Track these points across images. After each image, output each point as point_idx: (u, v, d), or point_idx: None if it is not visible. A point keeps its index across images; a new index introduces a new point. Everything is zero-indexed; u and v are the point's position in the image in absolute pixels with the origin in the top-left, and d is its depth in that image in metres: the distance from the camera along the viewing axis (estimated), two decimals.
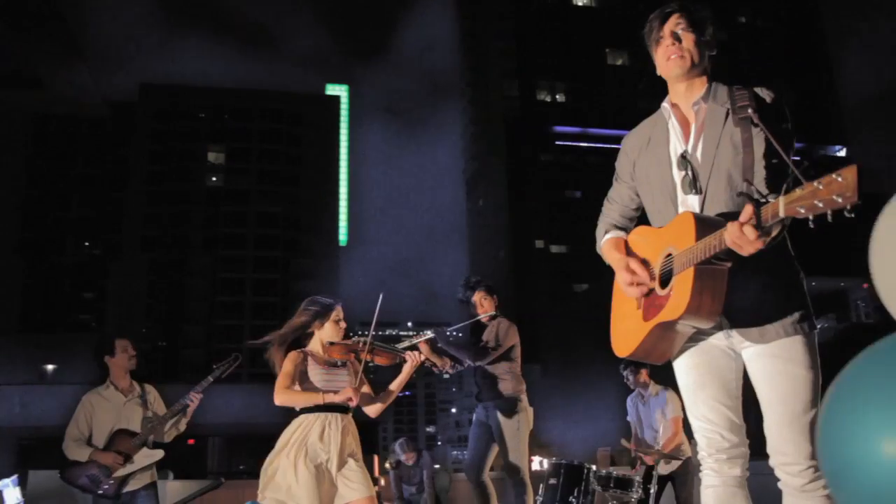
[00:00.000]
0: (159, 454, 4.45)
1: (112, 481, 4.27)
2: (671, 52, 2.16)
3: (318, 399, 3.42)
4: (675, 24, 2.17)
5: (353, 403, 3.46)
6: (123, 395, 4.52)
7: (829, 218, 1.56)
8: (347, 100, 72.01)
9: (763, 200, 1.75)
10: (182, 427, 4.59)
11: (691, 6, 2.21)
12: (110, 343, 4.56)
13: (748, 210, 1.72)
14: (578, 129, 51.79)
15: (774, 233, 1.78)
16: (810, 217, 1.59)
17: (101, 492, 4.25)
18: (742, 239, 1.74)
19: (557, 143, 52.08)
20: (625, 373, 5.82)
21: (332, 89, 72.45)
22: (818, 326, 2.09)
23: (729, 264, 1.91)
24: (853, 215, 1.53)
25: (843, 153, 54.82)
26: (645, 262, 2.15)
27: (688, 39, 2.15)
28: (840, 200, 1.51)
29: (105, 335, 4.69)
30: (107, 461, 4.27)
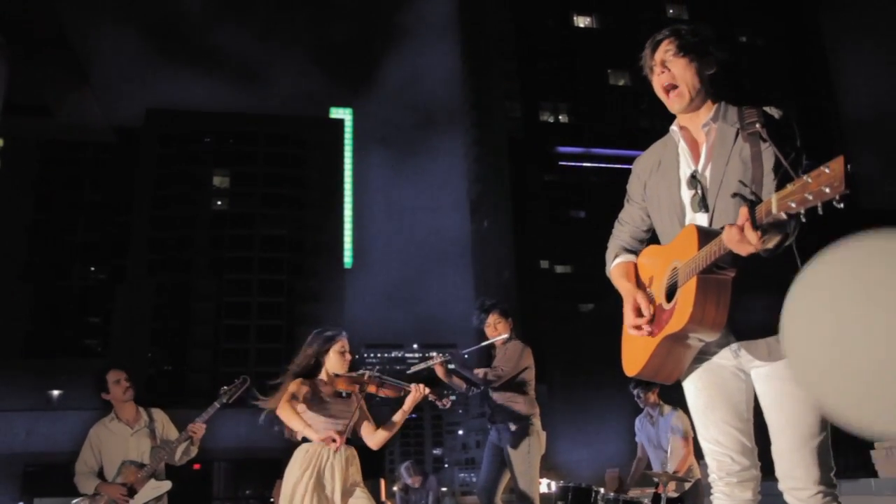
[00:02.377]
0: (167, 486, 4.42)
1: None
2: (663, 81, 2.16)
3: (300, 428, 3.41)
4: (664, 51, 2.17)
5: (333, 447, 3.42)
6: (129, 427, 4.49)
7: (820, 210, 1.56)
8: (351, 123, 72.48)
9: (757, 201, 1.77)
10: (193, 453, 4.57)
11: (683, 30, 2.20)
12: (102, 380, 4.52)
13: (743, 210, 1.72)
14: (581, 150, 51.92)
15: (775, 240, 1.79)
16: (802, 212, 1.59)
17: None
18: (738, 239, 1.74)
19: (561, 163, 52.21)
20: (635, 391, 5.79)
21: (336, 113, 72.95)
22: None
23: (732, 273, 1.91)
24: (842, 205, 1.53)
25: None
26: (648, 284, 2.15)
27: (678, 66, 2.15)
28: (828, 191, 1.51)
29: (99, 371, 4.61)
30: (111, 494, 4.26)
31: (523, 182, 51.22)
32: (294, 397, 3.50)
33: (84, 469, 4.39)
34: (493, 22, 57.60)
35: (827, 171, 1.52)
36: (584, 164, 51.67)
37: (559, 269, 49.98)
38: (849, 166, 1.50)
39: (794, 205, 1.59)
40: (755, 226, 1.70)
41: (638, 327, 2.11)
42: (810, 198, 1.55)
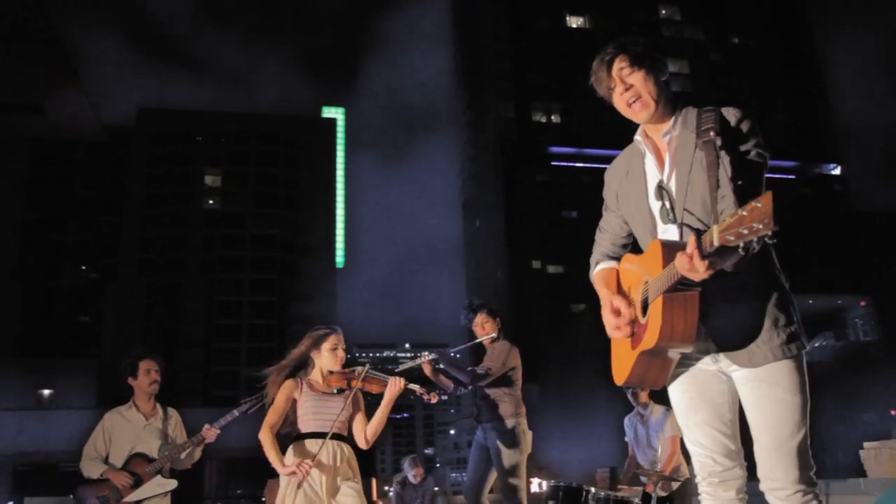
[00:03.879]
0: (172, 484, 4.41)
1: None
2: (628, 98, 2.16)
3: (277, 465, 3.44)
4: (619, 68, 2.17)
5: (299, 477, 3.41)
6: (144, 419, 4.47)
7: (755, 245, 1.58)
8: (344, 122, 72.34)
9: (704, 229, 1.78)
10: (197, 456, 4.56)
11: (627, 42, 2.20)
12: (134, 365, 4.51)
13: (691, 240, 1.74)
14: (574, 150, 51.99)
15: (732, 260, 1.79)
16: (740, 245, 1.60)
17: None
18: (688, 268, 1.76)
19: (553, 163, 52.28)
20: (628, 391, 5.85)
21: (329, 112, 72.78)
22: (812, 345, 2.09)
23: (698, 289, 1.91)
24: (775, 241, 1.55)
25: (837, 171, 55.09)
26: (628, 292, 2.17)
27: (636, 79, 2.15)
28: (760, 227, 1.54)
29: (133, 355, 4.59)
30: (116, 480, 4.24)
31: (516, 182, 51.26)
32: (279, 414, 3.56)
33: (93, 454, 4.36)
34: (486, 22, 57.61)
35: (759, 205, 1.54)
36: (577, 165, 51.75)
37: (551, 269, 50.01)
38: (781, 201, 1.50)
39: (732, 238, 1.61)
40: (703, 255, 1.72)
41: (618, 328, 2.13)
42: (745, 232, 1.57)
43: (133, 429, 4.42)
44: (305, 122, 67.44)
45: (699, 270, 1.74)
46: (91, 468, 4.33)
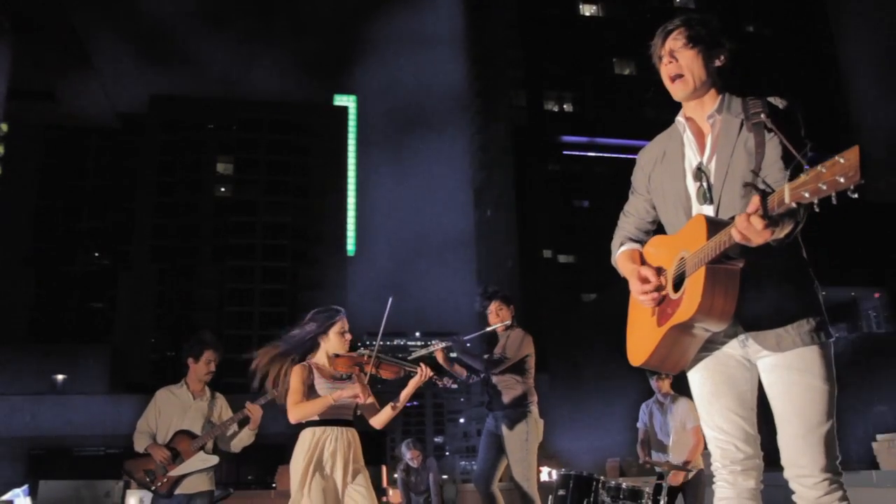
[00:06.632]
0: (214, 460, 4.60)
1: (165, 479, 4.44)
2: (670, 71, 2.17)
3: (329, 401, 3.44)
4: (673, 41, 2.18)
5: (360, 400, 3.49)
6: (192, 398, 4.70)
7: (834, 200, 1.55)
8: (355, 110, 72.32)
9: (769, 190, 1.75)
10: (247, 440, 4.73)
11: (695, 20, 2.20)
12: (200, 350, 4.73)
13: (755, 200, 1.71)
14: (586, 139, 51.74)
15: (787, 229, 1.77)
16: (815, 202, 1.58)
17: (153, 488, 4.45)
18: (749, 230, 1.73)
19: (565, 152, 52.05)
20: (651, 380, 5.87)
21: (340, 100, 72.77)
22: (834, 336, 2.07)
23: (741, 264, 1.91)
24: (857, 195, 1.52)
25: None
26: (660, 270, 2.14)
27: (686, 57, 2.15)
28: (843, 181, 1.51)
29: (201, 340, 4.81)
30: (157, 455, 4.45)
31: (527, 171, 51.11)
32: (301, 394, 3.52)
33: (144, 428, 4.61)
34: (498, 10, 57.35)
35: (842, 160, 1.51)
36: (589, 154, 51.51)
37: (562, 258, 49.93)
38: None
39: (807, 195, 1.58)
40: (766, 216, 1.70)
41: (646, 293, 2.11)
42: (824, 188, 1.54)
43: (181, 405, 4.66)
44: (317, 110, 67.53)
45: (758, 229, 1.72)
46: (139, 441, 4.57)
